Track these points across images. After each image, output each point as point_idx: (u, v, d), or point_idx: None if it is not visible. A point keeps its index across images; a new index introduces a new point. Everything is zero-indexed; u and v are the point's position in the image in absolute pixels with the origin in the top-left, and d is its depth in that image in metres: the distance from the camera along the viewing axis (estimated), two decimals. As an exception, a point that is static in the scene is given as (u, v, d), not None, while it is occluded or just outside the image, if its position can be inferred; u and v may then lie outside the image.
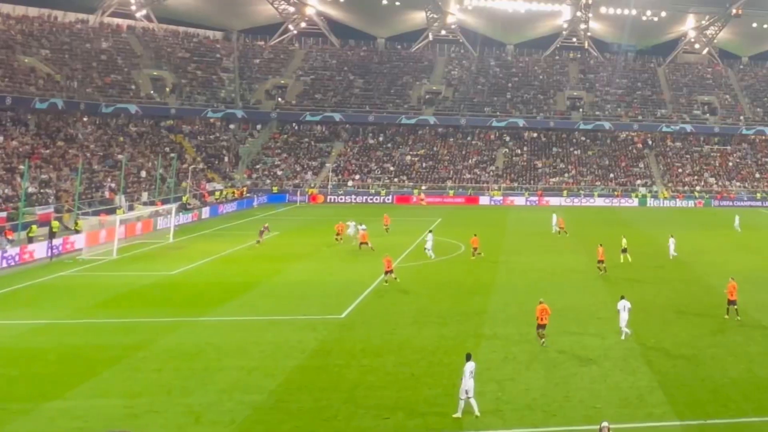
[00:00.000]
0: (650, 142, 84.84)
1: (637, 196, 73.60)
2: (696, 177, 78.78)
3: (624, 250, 37.01)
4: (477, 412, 16.03)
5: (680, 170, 79.78)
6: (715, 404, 17.58)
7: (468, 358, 16.92)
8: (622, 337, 21.93)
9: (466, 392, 16.19)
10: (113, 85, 68.82)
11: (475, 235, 37.31)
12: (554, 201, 70.11)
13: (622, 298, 22.45)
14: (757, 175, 79.77)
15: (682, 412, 16.97)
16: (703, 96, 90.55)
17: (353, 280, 31.45)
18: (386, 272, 30.87)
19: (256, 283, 30.66)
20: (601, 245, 34.27)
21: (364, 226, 39.44)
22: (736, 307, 25.24)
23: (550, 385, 18.51)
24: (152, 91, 72.23)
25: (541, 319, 21.08)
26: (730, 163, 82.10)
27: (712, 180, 78.34)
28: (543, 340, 21.18)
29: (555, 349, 21.50)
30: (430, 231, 38.60)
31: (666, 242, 40.49)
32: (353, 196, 68.91)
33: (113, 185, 53.66)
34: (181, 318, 24.48)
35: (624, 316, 22.01)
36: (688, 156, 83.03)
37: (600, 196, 72.92)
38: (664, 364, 20.58)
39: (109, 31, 78.12)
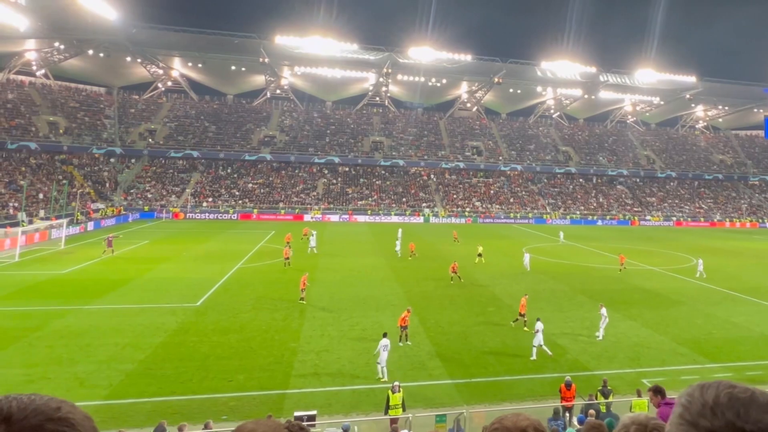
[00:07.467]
0: (433, 176, 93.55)
1: (422, 215, 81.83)
2: (467, 201, 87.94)
3: (479, 255, 41.28)
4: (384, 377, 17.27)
5: (455, 196, 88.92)
6: (478, 367, 18.94)
7: (384, 335, 18.01)
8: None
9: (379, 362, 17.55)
10: (17, 127, 76.63)
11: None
12: (361, 218, 77.66)
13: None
14: (511, 200, 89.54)
15: (453, 372, 18.26)
16: (473, 141, 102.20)
17: (206, 277, 32.95)
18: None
19: (131, 279, 31.73)
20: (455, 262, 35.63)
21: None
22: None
23: (355, 354, 19.87)
24: (49, 132, 78.90)
25: (403, 321, 21.57)
26: (492, 191, 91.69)
27: (478, 203, 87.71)
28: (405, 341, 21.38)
29: (360, 327, 23.16)
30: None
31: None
32: (207, 214, 74.98)
33: (16, 204, 59.44)
34: (70, 306, 25.33)
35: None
36: (460, 185, 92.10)
37: (396, 215, 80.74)
38: (440, 338, 22.03)
39: (14, 86, 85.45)
